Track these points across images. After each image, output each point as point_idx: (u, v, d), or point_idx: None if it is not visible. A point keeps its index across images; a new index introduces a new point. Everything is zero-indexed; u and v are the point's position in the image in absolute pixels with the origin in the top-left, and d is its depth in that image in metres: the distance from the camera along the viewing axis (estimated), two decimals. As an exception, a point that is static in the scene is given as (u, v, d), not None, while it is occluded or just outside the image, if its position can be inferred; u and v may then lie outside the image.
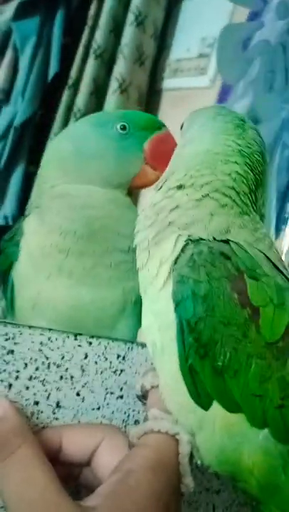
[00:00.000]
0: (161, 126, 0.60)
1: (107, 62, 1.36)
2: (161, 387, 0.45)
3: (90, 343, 0.48)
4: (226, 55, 0.99)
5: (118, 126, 0.58)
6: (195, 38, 1.37)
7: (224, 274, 0.40)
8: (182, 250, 0.41)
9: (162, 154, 0.55)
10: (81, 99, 1.34)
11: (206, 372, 0.40)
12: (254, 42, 0.95)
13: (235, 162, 0.44)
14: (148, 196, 0.54)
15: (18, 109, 1.33)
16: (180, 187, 0.44)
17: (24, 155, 1.37)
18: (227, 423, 0.41)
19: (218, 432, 0.41)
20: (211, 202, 0.43)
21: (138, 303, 0.52)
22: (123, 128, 0.58)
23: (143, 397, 0.50)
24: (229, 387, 0.40)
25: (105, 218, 0.55)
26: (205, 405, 0.41)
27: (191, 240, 0.42)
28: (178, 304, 0.40)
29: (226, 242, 0.42)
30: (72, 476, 0.46)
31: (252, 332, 0.39)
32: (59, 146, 0.60)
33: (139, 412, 0.51)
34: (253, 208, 0.45)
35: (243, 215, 0.44)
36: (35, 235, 0.56)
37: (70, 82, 1.35)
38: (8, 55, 1.34)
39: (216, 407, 0.41)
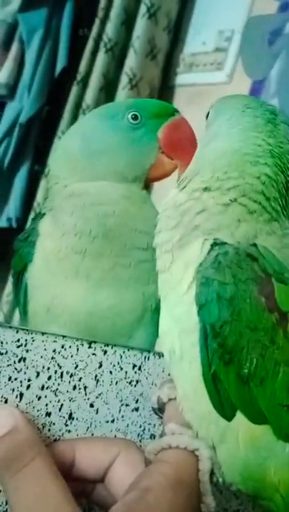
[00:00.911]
0: (174, 112, 0.60)
1: (118, 56, 1.37)
2: (179, 398, 0.45)
3: (105, 352, 0.48)
4: (250, 49, 0.99)
5: (129, 116, 0.58)
6: (211, 31, 1.37)
7: (251, 276, 0.40)
8: (208, 253, 0.42)
9: (178, 141, 0.56)
10: (90, 95, 1.35)
11: (231, 380, 0.40)
12: (283, 33, 0.95)
13: (265, 163, 0.44)
14: (159, 192, 0.54)
15: (24, 105, 1.33)
16: (206, 189, 0.44)
17: (30, 153, 1.38)
18: (251, 435, 0.41)
19: (241, 445, 0.41)
20: (238, 207, 0.44)
21: (157, 311, 0.52)
22: (134, 117, 0.58)
23: (159, 410, 0.50)
24: (255, 396, 0.40)
25: (121, 215, 0.56)
26: (228, 416, 0.41)
27: (216, 242, 0.42)
28: (202, 307, 0.41)
29: (253, 245, 0.42)
30: (85, 493, 0.47)
31: (280, 338, 0.39)
32: (68, 144, 0.61)
33: (154, 426, 0.52)
34: (283, 213, 0.45)
35: (272, 222, 0.44)
36: (50, 238, 0.56)
37: (79, 77, 1.36)
38: (14, 48, 1.35)
39: (239, 417, 0.41)
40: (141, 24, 1.35)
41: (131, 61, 1.34)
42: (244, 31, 1.01)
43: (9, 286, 1.36)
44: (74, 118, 1.37)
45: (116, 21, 1.35)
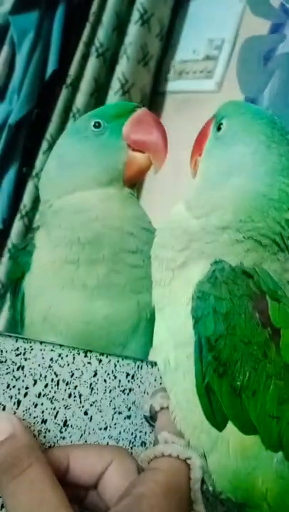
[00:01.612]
0: (135, 108, 0.61)
1: (109, 61, 1.38)
2: (172, 407, 0.47)
3: (100, 361, 0.50)
4: (246, 68, 1.02)
5: (91, 125, 0.60)
6: (202, 39, 1.39)
7: (246, 293, 0.42)
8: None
9: (142, 133, 0.58)
10: (80, 99, 1.36)
11: (224, 392, 0.42)
12: (276, 54, 0.98)
13: (288, 209, 0.45)
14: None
15: (14, 107, 1.34)
16: (225, 228, 0.45)
17: (18, 156, 1.39)
18: (241, 445, 0.43)
19: (232, 455, 0.43)
20: (251, 242, 0.45)
21: (152, 320, 0.53)
22: (97, 125, 0.60)
23: (151, 418, 0.52)
24: (246, 407, 0.42)
25: (104, 217, 0.57)
26: (219, 426, 0.43)
27: (215, 260, 0.44)
28: (198, 321, 0.42)
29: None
30: (78, 499, 0.48)
31: (272, 352, 0.41)
32: (47, 168, 0.63)
33: (146, 434, 0.53)
34: None
35: (279, 252, 0.46)
36: (44, 250, 0.58)
37: (69, 80, 1.37)
38: (5, 50, 1.36)
39: (230, 428, 0.43)
40: (134, 30, 1.36)
41: (123, 67, 1.36)
42: (241, 50, 1.04)
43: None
44: (63, 121, 1.38)
45: (108, 27, 1.36)
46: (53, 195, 0.59)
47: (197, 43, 1.40)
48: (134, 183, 0.62)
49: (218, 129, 0.50)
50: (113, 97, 1.34)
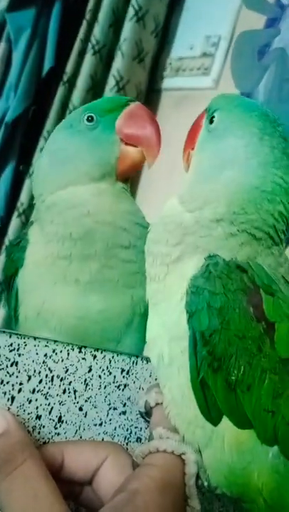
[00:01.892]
0: (128, 102, 0.60)
1: (106, 58, 1.38)
2: (166, 402, 0.47)
3: (95, 357, 0.50)
4: (241, 63, 1.01)
5: (84, 119, 0.59)
6: (199, 36, 1.39)
7: (240, 287, 0.42)
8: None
9: (135, 127, 0.57)
10: (77, 96, 1.36)
11: (218, 387, 0.42)
12: (271, 49, 0.98)
13: (281, 201, 0.45)
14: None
15: (10, 104, 1.34)
16: (218, 220, 0.45)
17: (15, 153, 1.39)
18: (237, 440, 0.42)
19: (227, 449, 0.42)
20: (245, 235, 0.45)
21: (146, 315, 0.53)
22: (90, 119, 0.59)
23: (146, 414, 0.52)
24: (241, 402, 0.42)
25: (96, 213, 0.57)
26: (214, 421, 0.43)
27: (209, 255, 0.44)
28: (192, 315, 0.42)
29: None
30: (73, 495, 0.48)
31: (266, 346, 0.41)
32: (39, 163, 0.63)
33: (141, 430, 0.53)
34: (284, 239, 0.47)
35: (274, 246, 0.46)
36: (37, 245, 0.58)
37: (65, 77, 1.37)
38: (1, 47, 1.35)
39: (225, 422, 0.43)
40: (128, 27, 1.36)
41: (118, 64, 1.35)
42: (235, 45, 1.03)
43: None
44: (60, 118, 1.37)
45: (104, 23, 1.36)
46: (46, 191, 0.59)
47: (194, 40, 1.39)
48: (127, 177, 0.61)
49: (211, 122, 0.49)
50: (109, 93, 1.33)
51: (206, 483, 0.46)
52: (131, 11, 1.36)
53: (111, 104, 0.60)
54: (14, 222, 1.35)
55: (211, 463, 0.44)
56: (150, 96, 1.43)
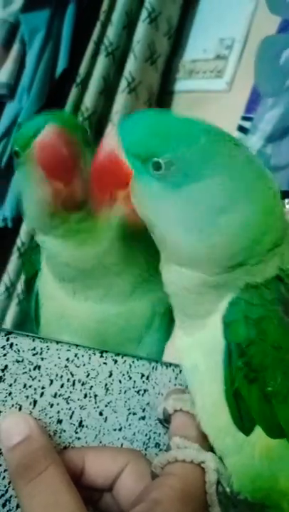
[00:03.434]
0: (40, 129, 0.48)
1: (119, 59, 1.38)
2: (197, 409, 0.46)
3: (116, 361, 0.49)
4: (264, 68, 1.01)
5: (14, 156, 0.50)
6: (212, 39, 1.39)
7: (277, 297, 0.41)
8: None
9: (51, 162, 0.47)
10: (89, 98, 1.36)
11: (253, 397, 0.41)
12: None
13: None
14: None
15: (23, 105, 1.34)
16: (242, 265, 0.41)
17: (27, 154, 1.38)
18: (267, 448, 0.42)
19: (257, 457, 0.42)
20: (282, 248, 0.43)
21: (166, 314, 0.52)
22: (16, 155, 0.50)
23: (165, 420, 0.51)
24: (275, 412, 0.41)
25: (76, 263, 0.52)
26: (246, 430, 0.42)
27: None
28: (228, 326, 0.42)
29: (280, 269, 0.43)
30: (92, 501, 0.47)
31: None
32: None
33: (160, 435, 0.53)
34: None
35: None
36: (45, 266, 0.57)
37: (78, 79, 1.37)
38: (15, 48, 1.35)
39: (257, 431, 0.42)
40: (141, 29, 1.36)
41: (130, 65, 1.35)
42: (259, 50, 1.03)
43: (2, 287, 1.37)
44: (72, 120, 1.37)
45: (117, 25, 1.36)
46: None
47: (207, 43, 1.39)
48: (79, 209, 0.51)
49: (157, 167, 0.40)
50: (120, 95, 1.33)
51: (228, 489, 0.45)
52: (144, 13, 1.36)
53: (25, 133, 0.49)
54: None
55: (239, 469, 0.44)
56: (163, 98, 1.43)
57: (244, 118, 1.21)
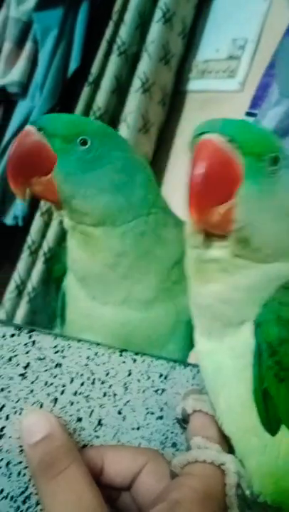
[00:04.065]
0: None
1: (131, 59, 1.38)
2: (220, 411, 0.46)
3: (135, 360, 0.49)
4: (285, 68, 1.01)
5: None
6: (225, 39, 1.38)
7: None
8: None
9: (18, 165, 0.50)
10: (101, 97, 1.36)
11: (282, 397, 0.41)
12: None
13: None
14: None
15: (36, 104, 1.34)
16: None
17: (38, 153, 1.38)
18: None
19: (281, 457, 0.42)
20: None
21: (190, 323, 0.52)
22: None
23: (184, 420, 0.51)
24: None
25: (85, 269, 0.55)
26: (273, 430, 0.42)
27: None
28: (259, 325, 0.42)
29: None
30: (110, 500, 0.47)
31: None
32: None
33: (177, 435, 0.53)
34: None
35: None
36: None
37: (91, 78, 1.37)
38: (28, 47, 1.36)
39: (283, 431, 0.42)
40: (156, 29, 1.36)
41: (144, 65, 1.35)
42: (280, 52, 1.02)
43: (12, 284, 1.37)
44: (84, 119, 1.38)
45: (130, 25, 1.36)
46: None
47: (220, 43, 1.39)
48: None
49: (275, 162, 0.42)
50: (133, 95, 1.33)
51: (247, 492, 0.45)
52: (159, 13, 1.36)
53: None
54: (37, 222, 1.36)
55: (261, 470, 0.44)
56: (175, 98, 1.43)
57: (248, 114, 1.21)
